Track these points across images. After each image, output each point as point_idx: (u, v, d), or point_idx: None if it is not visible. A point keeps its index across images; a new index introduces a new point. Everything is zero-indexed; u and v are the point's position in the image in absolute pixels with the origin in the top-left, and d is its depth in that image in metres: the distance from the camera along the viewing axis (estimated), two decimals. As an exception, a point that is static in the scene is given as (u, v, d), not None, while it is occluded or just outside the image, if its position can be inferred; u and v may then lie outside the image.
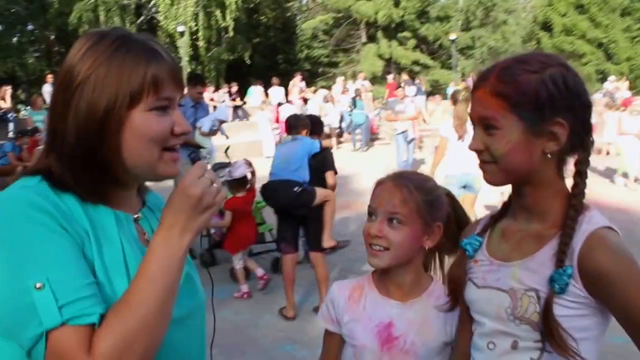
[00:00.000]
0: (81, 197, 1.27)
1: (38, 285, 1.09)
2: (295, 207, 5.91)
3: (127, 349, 1.10)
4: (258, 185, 6.44)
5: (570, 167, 1.51)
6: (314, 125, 6.45)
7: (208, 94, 21.37)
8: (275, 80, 23.41)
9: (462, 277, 1.64)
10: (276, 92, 22.79)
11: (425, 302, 1.85)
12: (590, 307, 1.41)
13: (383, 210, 1.80)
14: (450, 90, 26.84)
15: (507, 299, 1.48)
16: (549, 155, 1.43)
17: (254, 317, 5.92)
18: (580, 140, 1.45)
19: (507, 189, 1.60)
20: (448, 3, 39.21)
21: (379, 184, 1.87)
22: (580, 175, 1.47)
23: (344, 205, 9.41)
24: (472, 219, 5.02)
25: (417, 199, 1.79)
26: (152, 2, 30.20)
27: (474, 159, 1.61)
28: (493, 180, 1.50)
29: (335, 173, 6.43)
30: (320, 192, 5.97)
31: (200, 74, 23.48)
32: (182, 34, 27.66)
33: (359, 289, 1.93)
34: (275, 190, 6.00)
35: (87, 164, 1.26)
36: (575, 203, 1.44)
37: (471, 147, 1.51)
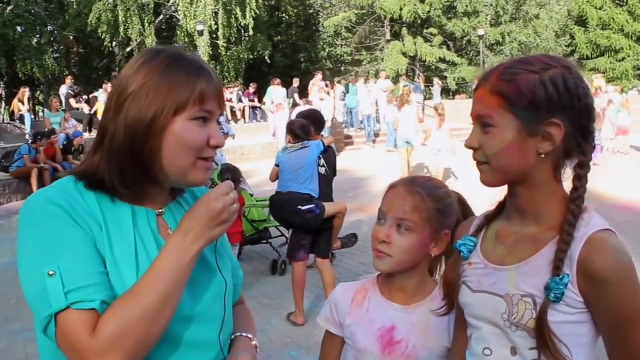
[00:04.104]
0: (115, 192, 1.45)
1: (51, 272, 1.28)
2: (301, 226, 5.99)
3: (128, 334, 1.27)
4: (262, 190, 6.48)
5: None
6: (316, 123, 6.44)
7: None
8: (275, 80, 22.92)
9: (457, 280, 1.66)
10: (277, 92, 22.43)
11: (429, 306, 1.88)
12: (585, 314, 1.44)
13: (393, 216, 1.84)
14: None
15: (503, 305, 1.50)
16: (543, 156, 1.46)
17: (261, 322, 5.84)
18: (578, 144, 1.47)
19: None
20: (476, -3, 38.83)
21: (392, 188, 1.92)
22: (580, 180, 1.48)
23: (358, 209, 9.44)
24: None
25: (429, 206, 1.83)
26: (171, 1, 30.23)
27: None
28: (488, 180, 1.53)
29: (335, 175, 6.61)
30: (330, 208, 6.01)
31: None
32: (201, 33, 27.59)
33: (363, 291, 1.99)
34: (282, 206, 6.07)
35: (132, 161, 1.42)
36: (573, 208, 1.46)
37: (466, 144, 1.56)
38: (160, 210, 1.53)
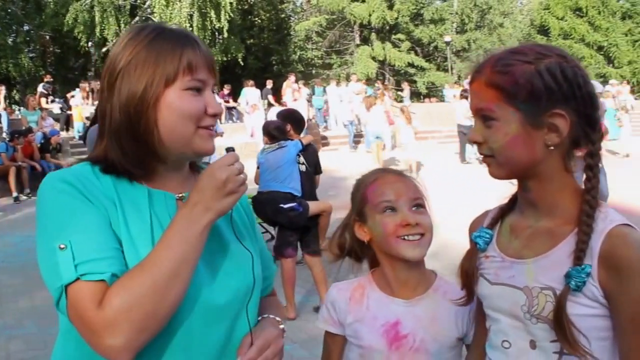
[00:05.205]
0: (127, 172, 1.42)
1: (62, 246, 1.26)
2: (286, 225, 5.91)
3: (135, 306, 1.22)
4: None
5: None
6: (295, 122, 6.37)
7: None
8: (249, 82, 22.85)
9: (474, 270, 1.60)
10: (251, 93, 22.08)
11: (433, 297, 1.83)
12: (606, 308, 1.36)
13: (406, 199, 1.78)
14: (446, 92, 27.20)
15: (522, 297, 1.44)
16: (551, 148, 1.39)
17: (253, 316, 5.85)
18: (585, 133, 1.41)
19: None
20: (442, 5, 39.29)
21: (376, 180, 1.86)
22: (591, 169, 1.42)
23: (341, 206, 9.21)
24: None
25: (420, 187, 1.85)
26: (147, 3, 30.08)
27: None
28: (495, 174, 1.47)
29: (320, 172, 6.57)
30: (314, 206, 5.96)
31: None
32: (176, 35, 27.49)
33: (359, 289, 1.90)
34: (263, 206, 5.98)
35: (130, 137, 1.39)
36: (588, 198, 1.40)
37: (470, 139, 1.50)
38: (181, 195, 1.48)
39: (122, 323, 1.20)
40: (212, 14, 29.14)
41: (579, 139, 1.41)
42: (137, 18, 30.78)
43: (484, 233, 1.59)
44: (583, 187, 1.43)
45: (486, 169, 1.49)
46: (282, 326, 1.59)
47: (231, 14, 29.77)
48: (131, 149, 1.40)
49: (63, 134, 17.99)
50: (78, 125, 19.02)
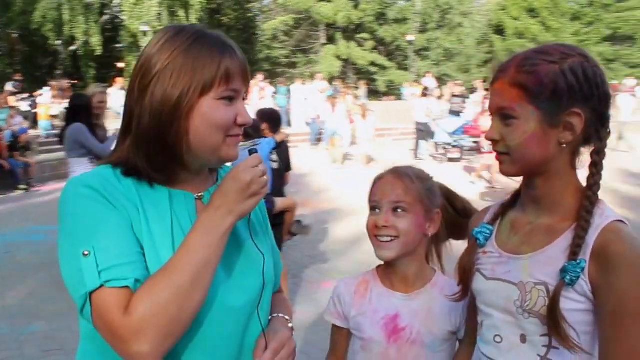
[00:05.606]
0: (148, 177, 1.39)
1: (85, 252, 1.24)
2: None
3: (160, 312, 1.21)
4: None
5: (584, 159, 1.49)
6: (272, 122, 6.28)
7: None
8: None
9: (472, 266, 1.61)
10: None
11: (430, 293, 1.90)
12: (592, 303, 1.38)
13: (388, 201, 1.85)
14: (404, 90, 27.37)
15: (516, 292, 1.46)
16: (564, 145, 1.42)
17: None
18: (596, 131, 1.42)
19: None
20: (406, 5, 39.52)
21: (379, 179, 1.93)
22: (596, 166, 1.44)
23: (302, 203, 9.17)
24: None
25: (418, 186, 1.87)
26: (115, 1, 29.80)
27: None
28: (508, 171, 1.48)
29: (290, 169, 6.59)
30: (280, 203, 5.99)
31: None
32: (145, 33, 27.21)
33: (364, 283, 1.98)
34: None
35: (158, 144, 1.35)
36: (589, 194, 1.41)
37: (487, 137, 1.50)
38: (200, 194, 1.46)
39: (148, 329, 1.20)
40: (181, 13, 28.91)
41: (590, 136, 1.43)
42: (106, 17, 30.44)
43: (485, 229, 1.62)
44: (585, 184, 1.47)
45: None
46: (291, 325, 1.60)
47: (201, 13, 29.59)
48: (157, 154, 1.37)
49: (31, 132, 17.81)
50: (45, 123, 18.86)
